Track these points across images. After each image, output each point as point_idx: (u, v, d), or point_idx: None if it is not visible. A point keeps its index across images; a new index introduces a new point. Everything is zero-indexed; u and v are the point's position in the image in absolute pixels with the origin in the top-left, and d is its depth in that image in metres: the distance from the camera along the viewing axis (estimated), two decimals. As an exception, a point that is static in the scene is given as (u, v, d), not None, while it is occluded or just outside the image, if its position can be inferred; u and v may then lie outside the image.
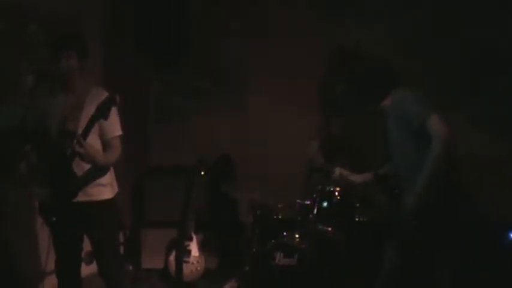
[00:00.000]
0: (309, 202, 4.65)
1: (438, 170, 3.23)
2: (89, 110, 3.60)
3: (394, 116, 3.50)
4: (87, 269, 4.64)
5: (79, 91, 3.78)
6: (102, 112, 3.47)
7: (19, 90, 4.86)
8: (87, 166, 3.71)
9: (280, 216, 4.80)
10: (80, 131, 3.57)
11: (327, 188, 4.60)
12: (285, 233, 4.64)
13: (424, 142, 3.28)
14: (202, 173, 5.22)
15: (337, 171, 4.10)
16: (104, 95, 3.64)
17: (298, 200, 4.72)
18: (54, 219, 3.70)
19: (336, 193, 4.56)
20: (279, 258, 4.50)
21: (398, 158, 3.55)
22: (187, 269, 5.16)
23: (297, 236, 4.57)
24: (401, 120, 3.42)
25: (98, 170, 3.79)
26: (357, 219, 4.59)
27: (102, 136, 3.77)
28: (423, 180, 3.25)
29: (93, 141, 3.69)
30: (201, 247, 5.32)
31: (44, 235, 3.95)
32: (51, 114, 3.73)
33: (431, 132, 3.25)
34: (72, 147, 3.51)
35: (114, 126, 3.79)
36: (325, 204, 4.57)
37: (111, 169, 3.91)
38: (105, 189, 3.87)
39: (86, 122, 3.54)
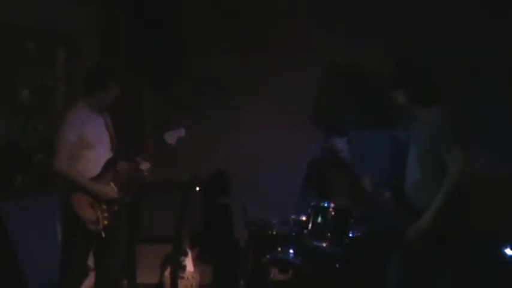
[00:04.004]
0: (303, 217, 4.66)
1: (447, 202, 3.38)
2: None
3: (427, 130, 3.52)
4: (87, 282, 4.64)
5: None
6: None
7: (16, 104, 4.88)
8: None
9: (274, 232, 4.81)
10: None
11: (321, 204, 4.61)
12: (279, 249, 4.65)
13: (441, 167, 3.41)
14: (198, 188, 5.23)
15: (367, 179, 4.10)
16: (108, 117, 4.25)
17: (292, 216, 4.73)
18: (97, 230, 4.01)
19: (331, 208, 4.57)
20: (274, 273, 4.50)
21: (414, 170, 3.60)
22: (182, 284, 5.15)
23: (291, 251, 4.58)
24: (432, 137, 3.47)
25: None
26: (351, 235, 4.60)
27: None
28: (431, 211, 3.40)
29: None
30: (196, 262, 5.32)
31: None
32: (97, 132, 4.10)
33: (450, 167, 3.38)
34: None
35: None
36: (319, 219, 4.58)
37: None
38: None
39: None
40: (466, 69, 5.16)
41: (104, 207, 4.02)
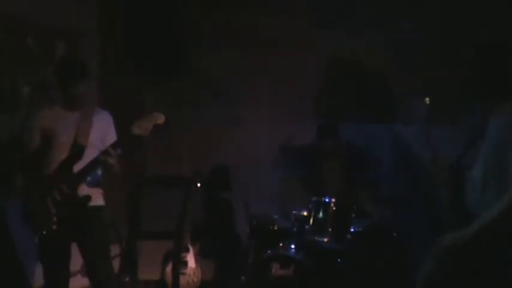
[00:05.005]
0: (304, 213, 4.66)
1: (498, 220, 2.77)
2: (98, 128, 3.88)
3: (494, 132, 2.95)
4: (85, 281, 4.63)
5: (83, 109, 3.91)
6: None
7: (16, 101, 4.89)
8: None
9: (276, 227, 4.81)
10: (88, 145, 3.81)
11: (323, 199, 4.62)
12: (281, 244, 4.65)
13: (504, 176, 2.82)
14: (199, 184, 5.23)
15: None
16: (107, 117, 4.00)
17: (294, 211, 4.73)
18: (44, 232, 3.74)
19: (332, 204, 4.57)
20: (276, 269, 4.50)
21: (478, 164, 2.99)
22: (183, 280, 5.15)
23: (293, 246, 4.58)
24: (496, 146, 2.88)
25: (98, 177, 3.93)
26: (352, 230, 4.60)
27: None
28: (474, 228, 2.82)
29: (94, 153, 3.82)
30: (198, 258, 5.32)
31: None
32: (59, 130, 3.81)
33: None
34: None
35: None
36: (321, 214, 4.58)
37: None
38: (100, 195, 3.98)
39: (94, 138, 3.84)
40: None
41: (53, 210, 3.73)
